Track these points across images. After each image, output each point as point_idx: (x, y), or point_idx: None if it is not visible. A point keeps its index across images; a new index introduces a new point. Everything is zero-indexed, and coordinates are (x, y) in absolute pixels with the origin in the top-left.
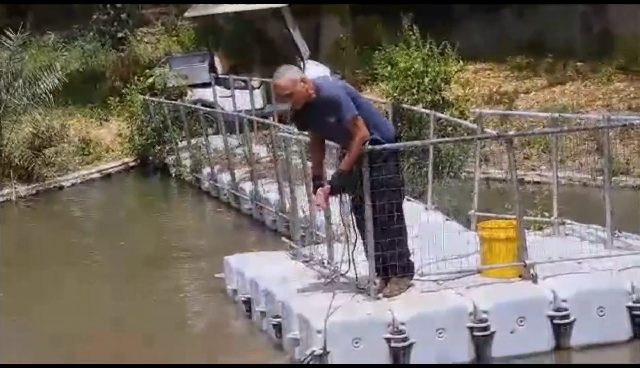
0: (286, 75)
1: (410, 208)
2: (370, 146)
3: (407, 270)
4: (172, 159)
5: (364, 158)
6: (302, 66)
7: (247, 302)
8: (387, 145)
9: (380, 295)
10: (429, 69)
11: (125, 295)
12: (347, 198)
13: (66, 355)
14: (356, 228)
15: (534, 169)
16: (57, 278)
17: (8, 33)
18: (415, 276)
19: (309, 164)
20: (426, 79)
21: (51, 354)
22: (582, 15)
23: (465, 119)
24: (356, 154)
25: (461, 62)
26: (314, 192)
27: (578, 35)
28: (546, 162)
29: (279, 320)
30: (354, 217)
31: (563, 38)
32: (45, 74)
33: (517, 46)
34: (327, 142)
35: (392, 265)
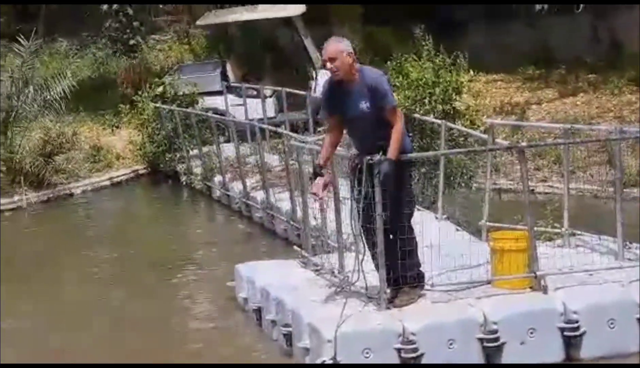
0: (336, 42)
1: (421, 218)
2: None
3: (418, 280)
4: (183, 167)
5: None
6: (314, 76)
7: (258, 311)
8: (377, 157)
9: (390, 305)
10: (440, 80)
11: (135, 303)
12: (357, 206)
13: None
14: (365, 238)
15: (544, 181)
16: (66, 285)
17: (20, 40)
18: (426, 287)
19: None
20: (437, 90)
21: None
22: (591, 26)
23: (476, 129)
24: (400, 142)
25: (471, 72)
26: (312, 180)
27: (588, 47)
28: (557, 173)
29: (289, 329)
30: (363, 227)
31: (573, 49)
32: (57, 81)
33: (528, 57)
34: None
35: (403, 275)
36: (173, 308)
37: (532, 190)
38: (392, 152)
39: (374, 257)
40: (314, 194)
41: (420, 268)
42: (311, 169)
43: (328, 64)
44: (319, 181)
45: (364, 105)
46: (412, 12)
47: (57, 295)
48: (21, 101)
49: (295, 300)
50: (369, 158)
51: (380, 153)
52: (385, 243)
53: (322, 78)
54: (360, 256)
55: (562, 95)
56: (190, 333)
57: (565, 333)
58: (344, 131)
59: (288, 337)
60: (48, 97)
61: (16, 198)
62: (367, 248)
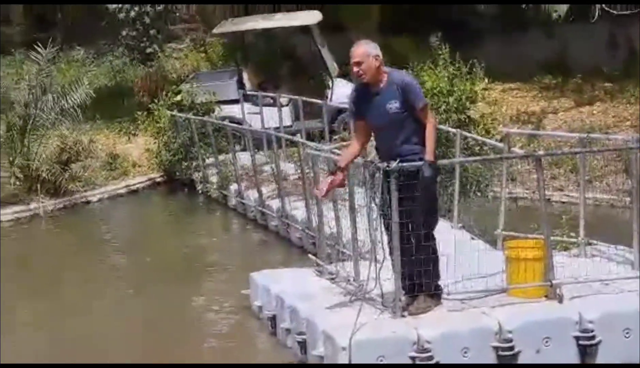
0: (363, 46)
1: (437, 227)
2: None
3: (437, 288)
4: (199, 175)
5: (392, 174)
6: (330, 84)
7: (273, 319)
8: (416, 163)
9: (406, 313)
10: (455, 89)
11: (150, 311)
12: (374, 214)
13: None
14: (385, 245)
15: (561, 189)
16: (83, 293)
17: (37, 48)
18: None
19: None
20: (451, 99)
21: None
22: (609, 35)
23: (492, 138)
24: (435, 141)
25: (486, 80)
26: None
27: (604, 56)
28: (573, 182)
29: (303, 337)
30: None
31: (590, 58)
32: (74, 88)
33: (544, 65)
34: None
35: (424, 283)
36: (188, 316)
37: (549, 199)
38: (429, 153)
39: (403, 265)
40: (317, 190)
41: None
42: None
43: (355, 68)
44: (329, 179)
45: (394, 105)
46: (428, 21)
47: (73, 301)
48: (38, 108)
49: (310, 307)
50: (385, 164)
51: (398, 160)
52: (410, 250)
53: (338, 87)
54: (378, 264)
55: (579, 104)
56: (205, 341)
57: (581, 342)
58: (370, 138)
59: (302, 345)
60: (65, 105)
61: (33, 205)
62: (386, 255)
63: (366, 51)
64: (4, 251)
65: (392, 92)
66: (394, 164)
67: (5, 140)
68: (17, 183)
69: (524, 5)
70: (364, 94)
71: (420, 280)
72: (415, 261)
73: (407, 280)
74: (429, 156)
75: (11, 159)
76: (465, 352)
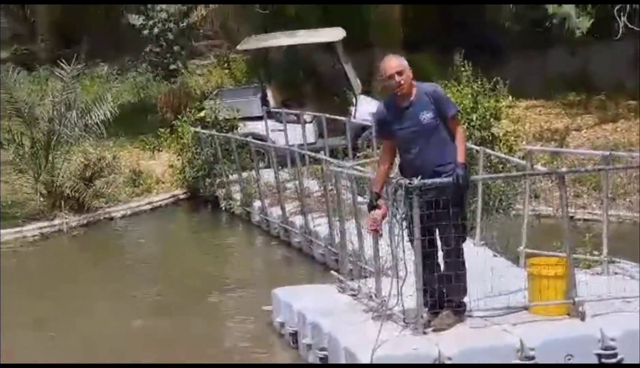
0: (398, 57)
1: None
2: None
3: (462, 305)
4: (222, 192)
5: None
6: (354, 101)
7: (294, 335)
8: (436, 180)
9: (429, 329)
10: (478, 106)
11: (171, 327)
12: (396, 231)
13: None
14: (426, 261)
15: (584, 207)
16: (106, 308)
17: (62, 64)
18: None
19: (359, 199)
20: (474, 116)
21: None
22: (632, 52)
23: (515, 156)
24: (466, 146)
25: (510, 98)
26: (370, 210)
27: (628, 73)
28: (597, 200)
29: (325, 352)
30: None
31: (613, 76)
32: (98, 105)
33: (568, 83)
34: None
35: (453, 298)
36: (210, 331)
37: (572, 217)
38: (461, 155)
39: (432, 280)
40: (374, 230)
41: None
42: (349, 194)
43: (396, 78)
44: (377, 213)
45: (427, 115)
46: (452, 38)
47: (96, 316)
48: (62, 125)
49: (332, 324)
50: (408, 181)
51: (420, 177)
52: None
53: (362, 104)
54: (400, 281)
55: (602, 121)
56: (227, 356)
57: (603, 360)
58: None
59: (324, 361)
60: (89, 121)
61: (57, 221)
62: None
63: (403, 62)
64: (27, 265)
65: (424, 102)
66: (415, 181)
67: (30, 156)
68: (41, 198)
69: (547, 23)
70: (393, 109)
71: (450, 295)
72: (446, 276)
73: (436, 296)
74: (461, 158)
75: (36, 175)
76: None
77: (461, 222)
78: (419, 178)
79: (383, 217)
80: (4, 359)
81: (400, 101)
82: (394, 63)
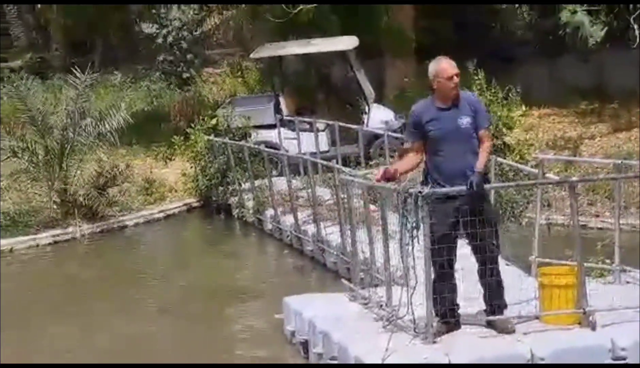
0: (451, 60)
1: (470, 253)
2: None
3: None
4: (235, 200)
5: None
6: (367, 109)
7: (305, 344)
8: (455, 188)
9: (438, 339)
10: (491, 114)
11: (182, 335)
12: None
13: None
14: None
15: (597, 216)
16: (118, 315)
17: (75, 72)
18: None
19: (371, 207)
20: None
21: None
22: None
23: (527, 164)
24: (488, 158)
25: (523, 107)
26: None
27: None
28: (610, 208)
29: (335, 361)
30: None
31: (627, 84)
32: (111, 113)
33: (581, 91)
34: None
35: (497, 303)
36: (221, 339)
37: (584, 225)
38: (480, 164)
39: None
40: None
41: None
42: (361, 203)
43: (455, 79)
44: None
45: (465, 120)
46: (465, 47)
47: (110, 323)
48: (76, 133)
49: (342, 332)
50: (418, 190)
51: (430, 185)
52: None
53: (374, 112)
54: (410, 290)
55: (616, 130)
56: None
57: None
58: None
59: None
60: (103, 129)
61: (70, 229)
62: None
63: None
64: (41, 274)
65: (465, 108)
66: (426, 190)
67: (44, 165)
68: (55, 207)
69: (560, 31)
70: (432, 110)
71: (499, 301)
72: (492, 283)
73: (490, 301)
74: (479, 166)
75: (49, 183)
76: None
77: (497, 229)
78: (430, 186)
79: (388, 179)
80: None
81: (441, 102)
82: (451, 65)
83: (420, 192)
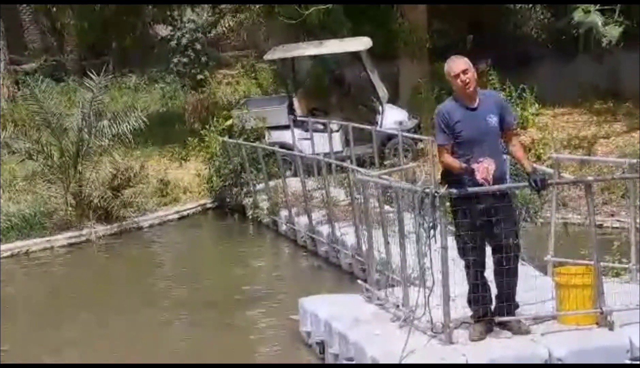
0: (462, 57)
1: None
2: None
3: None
4: (249, 201)
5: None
6: (380, 110)
7: (321, 344)
8: (477, 188)
9: (481, 340)
10: None
11: (197, 336)
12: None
13: None
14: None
15: (613, 215)
16: (133, 319)
17: (90, 75)
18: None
19: (386, 207)
20: None
21: None
22: None
23: (542, 163)
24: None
25: (536, 105)
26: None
27: None
28: (626, 207)
29: (352, 362)
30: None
31: None
32: (126, 115)
33: (596, 91)
34: None
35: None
36: (237, 340)
37: (601, 225)
38: (528, 162)
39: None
40: (484, 178)
41: None
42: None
43: (462, 76)
44: (485, 165)
45: (493, 119)
46: (478, 47)
47: (124, 325)
48: (91, 135)
49: (359, 333)
50: (435, 189)
51: (446, 186)
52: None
53: (388, 112)
54: (427, 291)
55: (630, 129)
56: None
57: None
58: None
59: None
60: (118, 131)
61: (85, 231)
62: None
63: (467, 61)
64: (57, 274)
65: (490, 106)
66: (442, 190)
67: (59, 166)
68: (70, 209)
69: (574, 31)
70: (460, 111)
71: (512, 302)
72: (510, 282)
73: (505, 301)
74: (529, 165)
75: (65, 185)
76: None
77: (516, 229)
78: (445, 187)
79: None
80: None
81: (467, 102)
82: (461, 61)
83: (437, 192)
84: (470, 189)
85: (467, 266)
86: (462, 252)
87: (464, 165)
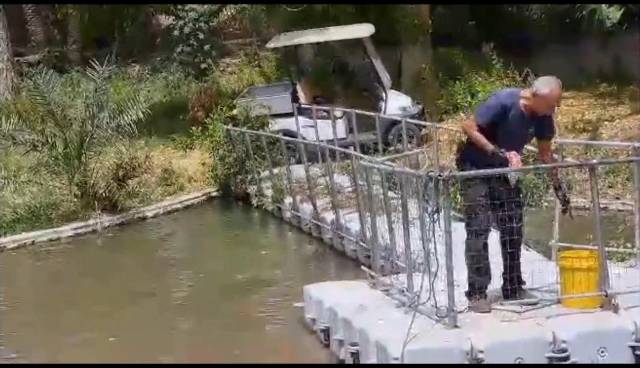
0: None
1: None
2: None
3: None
4: (254, 189)
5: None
6: (384, 96)
7: (326, 331)
8: (480, 171)
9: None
10: None
11: (202, 324)
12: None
13: None
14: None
15: (618, 198)
16: (138, 308)
17: (93, 65)
18: (495, 305)
19: (390, 194)
20: None
21: None
22: None
23: None
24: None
25: None
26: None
27: None
28: (631, 191)
29: (356, 347)
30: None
31: None
32: (130, 105)
33: (599, 74)
34: None
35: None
36: (241, 327)
37: (605, 207)
38: (557, 181)
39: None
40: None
41: None
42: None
43: (556, 104)
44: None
45: (532, 130)
46: (481, 31)
47: (128, 315)
48: (95, 125)
49: (363, 319)
50: (438, 173)
51: (449, 171)
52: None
53: (391, 99)
54: (432, 276)
55: (634, 112)
56: (258, 353)
57: (637, 352)
58: None
59: (355, 356)
60: (121, 121)
61: (90, 221)
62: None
63: None
64: (64, 265)
65: (536, 118)
66: (445, 173)
67: (63, 158)
68: (75, 199)
69: (577, 14)
70: (516, 110)
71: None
72: (518, 263)
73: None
74: (558, 182)
75: (69, 176)
76: (519, 362)
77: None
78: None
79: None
80: None
81: (526, 111)
82: (560, 92)
83: (440, 175)
84: (476, 172)
85: (469, 236)
86: (475, 233)
87: (497, 150)
